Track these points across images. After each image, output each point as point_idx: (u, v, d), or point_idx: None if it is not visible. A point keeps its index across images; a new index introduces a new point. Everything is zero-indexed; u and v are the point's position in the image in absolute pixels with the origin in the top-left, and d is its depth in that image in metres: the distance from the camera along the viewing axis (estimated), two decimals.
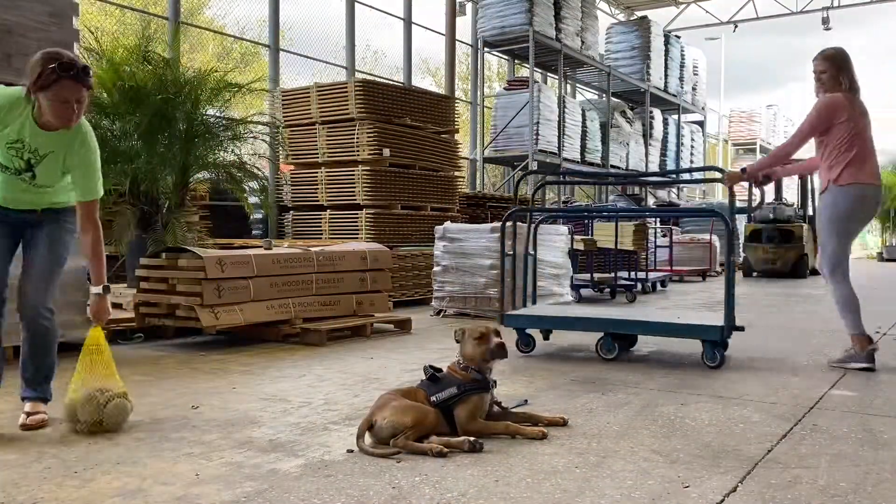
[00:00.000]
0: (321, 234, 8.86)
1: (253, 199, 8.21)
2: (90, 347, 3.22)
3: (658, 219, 15.51)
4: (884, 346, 5.54)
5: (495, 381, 3.14)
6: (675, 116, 19.28)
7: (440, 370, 3.10)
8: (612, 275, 9.72)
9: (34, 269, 3.26)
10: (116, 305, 6.12)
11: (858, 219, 4.69)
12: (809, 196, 15.09)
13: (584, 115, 15.26)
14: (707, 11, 21.49)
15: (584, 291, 9.50)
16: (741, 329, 4.86)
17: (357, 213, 8.53)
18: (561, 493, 2.40)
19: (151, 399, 3.69)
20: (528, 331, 5.25)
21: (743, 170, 5.10)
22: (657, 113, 18.31)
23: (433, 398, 2.98)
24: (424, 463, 2.67)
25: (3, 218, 3.24)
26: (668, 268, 12.73)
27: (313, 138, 8.94)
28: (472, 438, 2.82)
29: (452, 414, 2.98)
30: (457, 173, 9.92)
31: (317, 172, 8.95)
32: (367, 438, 2.85)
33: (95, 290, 3.30)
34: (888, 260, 23.03)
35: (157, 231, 6.80)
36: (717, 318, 4.97)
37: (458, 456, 2.75)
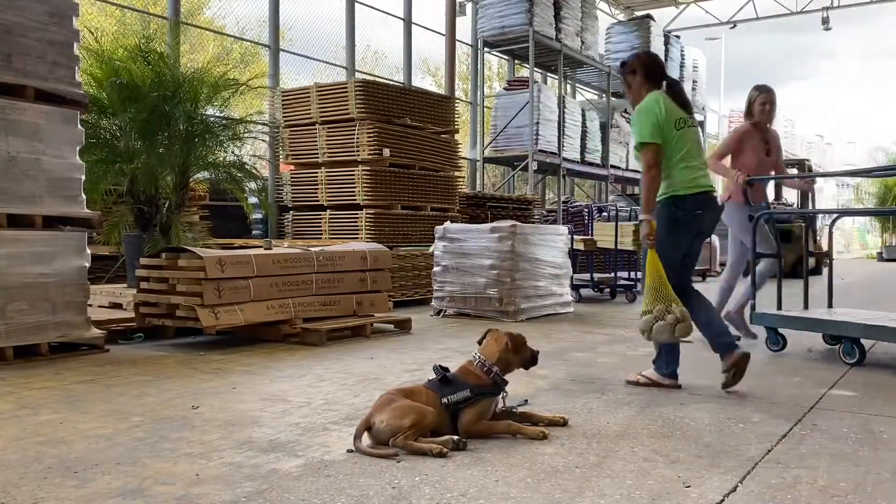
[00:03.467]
0: (321, 234, 8.86)
1: (253, 199, 8.21)
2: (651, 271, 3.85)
3: None
4: (884, 346, 5.54)
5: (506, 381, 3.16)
6: None
7: (447, 370, 3.09)
8: (613, 275, 9.72)
9: None
10: (116, 305, 6.12)
11: None
12: (809, 196, 15.09)
13: (584, 115, 15.26)
14: (707, 11, 21.48)
15: (584, 291, 9.50)
16: None
17: (357, 213, 8.54)
18: (561, 493, 2.40)
19: (151, 399, 3.68)
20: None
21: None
22: None
23: (445, 400, 2.97)
24: (424, 463, 2.67)
25: None
26: None
27: (313, 138, 8.95)
28: (456, 438, 2.83)
29: (457, 414, 2.98)
30: (457, 173, 9.92)
31: (317, 172, 8.95)
32: (366, 439, 2.85)
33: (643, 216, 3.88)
34: (888, 260, 23.03)
35: (157, 231, 6.80)
36: None
37: (458, 456, 2.75)
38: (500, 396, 3.11)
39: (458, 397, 2.98)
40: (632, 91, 4.16)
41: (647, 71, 4.13)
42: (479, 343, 3.22)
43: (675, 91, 4.19)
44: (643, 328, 3.87)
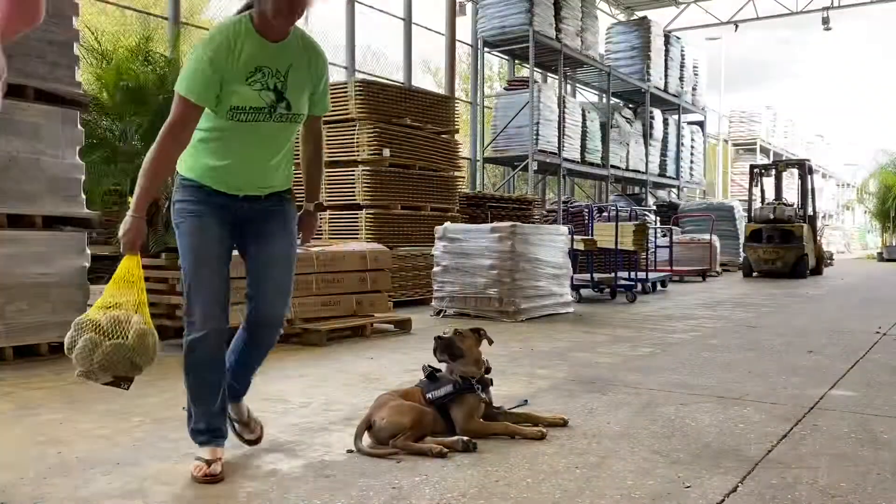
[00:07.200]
0: (321, 234, 8.85)
1: None
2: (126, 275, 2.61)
3: (658, 219, 15.52)
4: (884, 346, 5.55)
5: (491, 380, 3.15)
6: (675, 116, 19.29)
7: (439, 370, 3.10)
8: (613, 275, 9.72)
9: (275, 268, 2.73)
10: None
11: None
12: (809, 196, 15.10)
13: (584, 115, 15.27)
14: (707, 11, 21.48)
15: (584, 291, 9.50)
16: None
17: (357, 213, 8.53)
18: (561, 493, 2.40)
19: (151, 399, 3.68)
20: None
21: None
22: (657, 113, 18.31)
23: (429, 395, 2.98)
24: (424, 463, 2.67)
25: (217, 210, 2.61)
26: (668, 268, 12.73)
27: None
28: (465, 438, 2.82)
29: (449, 413, 2.98)
30: (457, 173, 9.92)
31: None
32: (366, 439, 2.85)
33: (309, 206, 2.88)
34: (888, 260, 23.04)
35: (158, 231, 6.79)
36: None
37: (458, 456, 2.75)
38: (482, 394, 3.08)
39: (442, 392, 2.98)
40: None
41: None
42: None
43: None
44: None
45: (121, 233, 2.51)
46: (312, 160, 2.86)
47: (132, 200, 2.52)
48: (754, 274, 14.29)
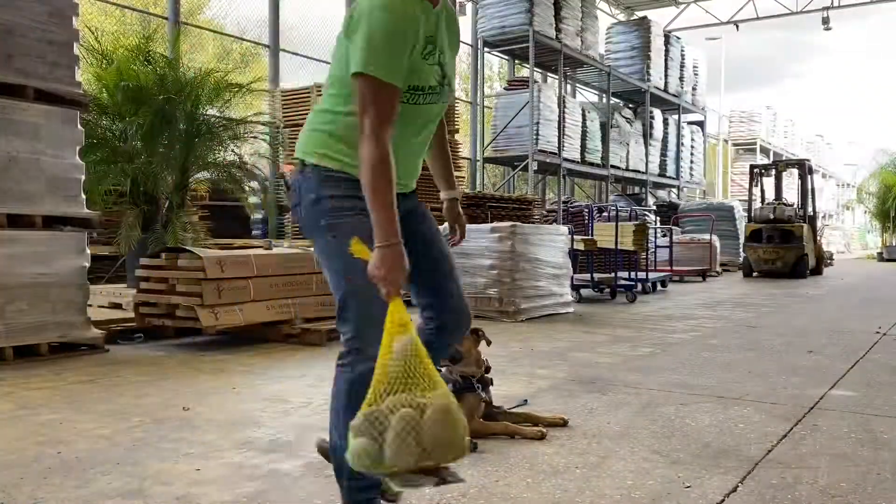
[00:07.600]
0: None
1: (253, 199, 8.21)
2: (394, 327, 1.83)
3: (658, 219, 15.51)
4: (884, 346, 5.55)
5: (492, 379, 3.15)
6: (676, 116, 19.28)
7: (439, 370, 3.10)
8: (613, 275, 9.72)
9: (448, 262, 2.31)
10: (116, 305, 6.12)
11: None
12: (809, 196, 15.10)
13: (584, 115, 15.27)
14: (707, 11, 21.49)
15: (584, 291, 9.49)
16: None
17: None
18: (561, 493, 2.40)
19: (151, 399, 3.68)
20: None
21: None
22: (657, 113, 18.30)
23: None
24: None
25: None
26: (669, 268, 12.73)
27: None
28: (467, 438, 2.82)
29: None
30: (457, 173, 9.90)
31: None
32: None
33: (456, 193, 2.58)
34: (888, 260, 23.04)
35: (158, 231, 6.80)
36: None
37: None
38: (482, 393, 3.08)
39: None
40: None
41: None
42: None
43: None
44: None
45: (376, 270, 1.85)
46: (444, 145, 2.50)
47: (376, 230, 1.86)
48: (754, 274, 14.28)
